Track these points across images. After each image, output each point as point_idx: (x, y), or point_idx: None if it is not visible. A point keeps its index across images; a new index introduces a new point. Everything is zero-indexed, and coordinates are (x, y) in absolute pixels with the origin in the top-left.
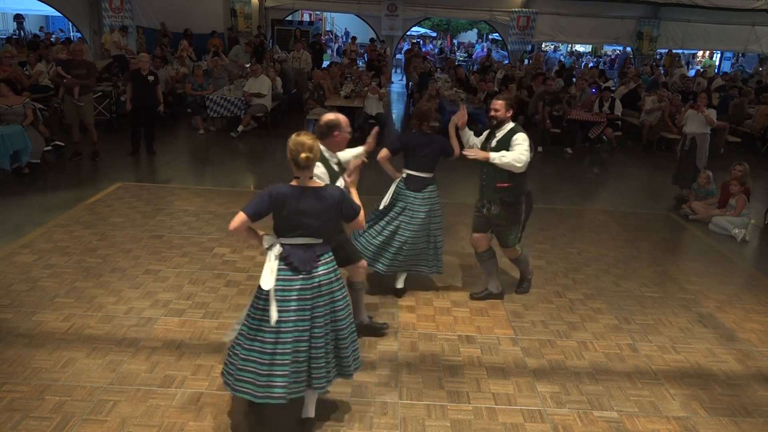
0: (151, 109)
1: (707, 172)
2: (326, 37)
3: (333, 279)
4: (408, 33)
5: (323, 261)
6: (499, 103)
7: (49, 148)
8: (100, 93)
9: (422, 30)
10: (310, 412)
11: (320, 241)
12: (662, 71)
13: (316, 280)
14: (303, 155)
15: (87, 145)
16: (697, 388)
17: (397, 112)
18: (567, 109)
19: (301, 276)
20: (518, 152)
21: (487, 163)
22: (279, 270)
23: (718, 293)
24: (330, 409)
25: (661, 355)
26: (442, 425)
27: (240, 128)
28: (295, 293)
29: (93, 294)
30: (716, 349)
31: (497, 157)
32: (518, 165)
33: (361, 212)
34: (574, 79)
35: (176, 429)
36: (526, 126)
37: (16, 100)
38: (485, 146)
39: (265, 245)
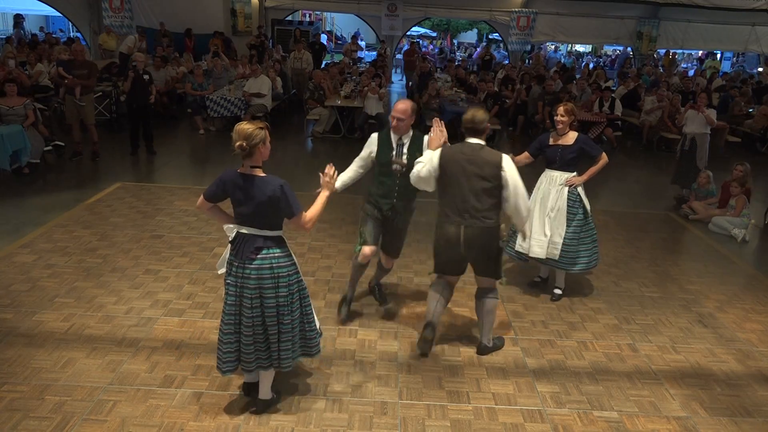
0: (146, 107)
1: (707, 172)
2: (330, 43)
3: (266, 276)
4: (408, 33)
5: (262, 256)
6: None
7: (50, 148)
8: (100, 93)
9: (422, 30)
10: (261, 393)
11: (265, 232)
12: (662, 71)
13: (248, 271)
14: (237, 143)
15: (87, 145)
16: (697, 388)
17: None
18: None
19: (236, 264)
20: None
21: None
22: (229, 254)
23: (718, 293)
24: (330, 409)
25: (661, 355)
26: (442, 425)
27: None
28: (231, 278)
29: (93, 294)
30: (716, 349)
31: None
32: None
33: (304, 214)
34: (575, 81)
35: (176, 429)
36: (527, 126)
37: (17, 101)
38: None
39: (227, 232)
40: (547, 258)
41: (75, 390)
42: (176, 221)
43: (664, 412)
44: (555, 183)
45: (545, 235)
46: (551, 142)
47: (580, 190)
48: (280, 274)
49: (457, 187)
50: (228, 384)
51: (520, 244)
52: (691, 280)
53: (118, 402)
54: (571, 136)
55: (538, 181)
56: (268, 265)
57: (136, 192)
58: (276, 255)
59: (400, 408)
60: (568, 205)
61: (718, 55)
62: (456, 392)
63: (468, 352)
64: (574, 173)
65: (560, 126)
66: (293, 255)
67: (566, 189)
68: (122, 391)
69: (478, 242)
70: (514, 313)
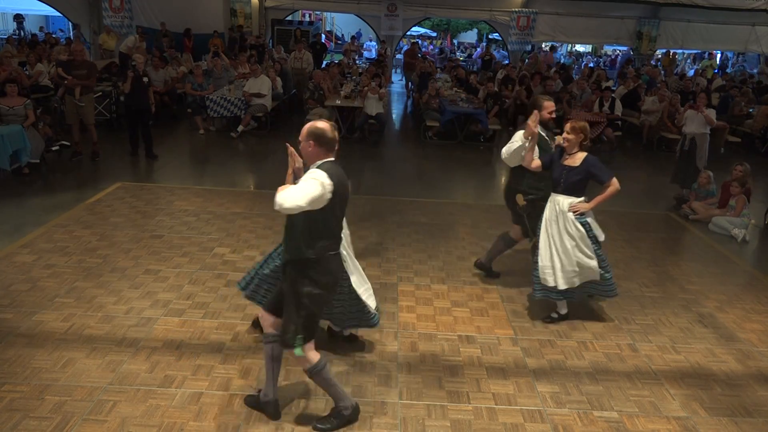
0: (145, 110)
1: (708, 172)
2: (330, 43)
3: None
4: (408, 33)
5: None
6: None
7: (57, 147)
8: (100, 93)
9: (422, 30)
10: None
11: None
12: (661, 71)
13: None
14: None
15: (87, 145)
16: (697, 388)
17: (397, 112)
18: (567, 109)
19: None
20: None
21: None
22: None
23: (718, 293)
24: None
25: (661, 355)
26: (442, 425)
27: (240, 128)
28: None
29: (93, 294)
30: (716, 349)
31: None
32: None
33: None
34: (574, 81)
35: (176, 429)
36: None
37: (17, 101)
38: None
39: None
40: (582, 283)
41: (75, 390)
42: (176, 221)
43: (664, 412)
44: (559, 209)
45: (568, 265)
46: (561, 159)
47: (590, 220)
48: None
49: None
50: (228, 384)
51: (544, 280)
52: (691, 280)
53: (118, 402)
54: (579, 157)
55: (546, 208)
56: None
57: (136, 192)
58: None
59: (400, 408)
60: (585, 230)
61: (718, 55)
62: (456, 392)
63: (468, 351)
64: (582, 198)
65: (567, 144)
66: None
67: (570, 215)
68: (122, 391)
69: (506, 198)
70: (514, 312)
